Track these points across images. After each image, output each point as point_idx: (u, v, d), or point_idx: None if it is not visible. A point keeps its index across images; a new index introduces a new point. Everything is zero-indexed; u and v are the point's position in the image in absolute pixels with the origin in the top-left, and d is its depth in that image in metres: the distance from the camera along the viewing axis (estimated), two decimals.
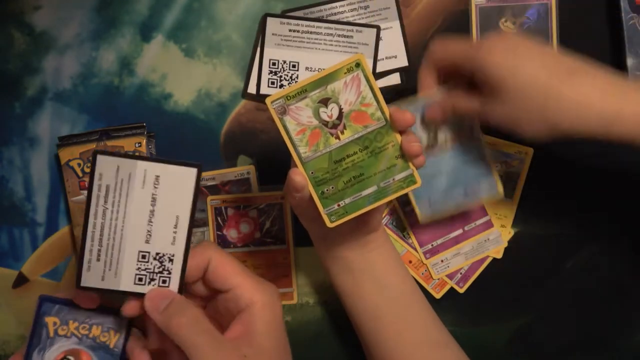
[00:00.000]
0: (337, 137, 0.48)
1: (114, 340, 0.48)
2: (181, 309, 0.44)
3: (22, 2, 0.62)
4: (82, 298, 0.48)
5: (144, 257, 0.46)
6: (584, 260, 0.64)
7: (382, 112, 0.48)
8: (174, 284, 0.46)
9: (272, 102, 0.47)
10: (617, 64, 0.62)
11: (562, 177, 0.63)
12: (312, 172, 0.48)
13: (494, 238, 0.63)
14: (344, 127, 0.48)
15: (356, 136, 0.48)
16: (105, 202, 0.45)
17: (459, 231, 0.63)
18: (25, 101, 0.62)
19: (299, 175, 0.48)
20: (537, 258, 0.64)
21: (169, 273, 0.46)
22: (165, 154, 0.62)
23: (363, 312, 0.56)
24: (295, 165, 0.48)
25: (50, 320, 0.48)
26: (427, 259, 0.63)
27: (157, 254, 0.46)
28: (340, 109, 0.48)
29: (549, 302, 0.64)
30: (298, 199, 0.49)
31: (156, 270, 0.46)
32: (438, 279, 0.63)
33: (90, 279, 0.45)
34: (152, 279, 0.46)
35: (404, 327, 0.55)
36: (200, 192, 0.62)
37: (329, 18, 0.61)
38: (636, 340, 0.64)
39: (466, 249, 0.63)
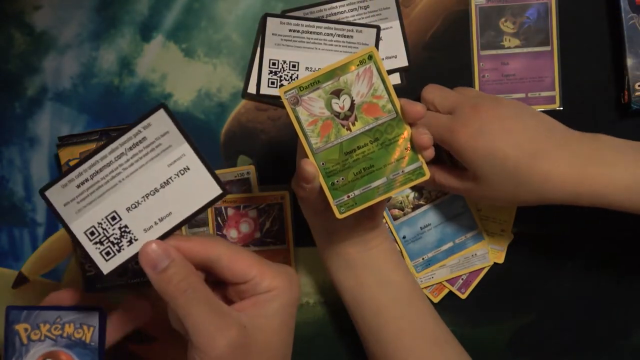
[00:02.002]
0: (349, 129, 0.48)
1: (88, 334, 0.48)
2: (181, 275, 0.42)
3: (22, 2, 0.61)
4: (56, 298, 0.49)
5: (113, 218, 0.43)
6: (584, 260, 0.64)
7: (393, 105, 0.48)
8: (113, 264, 0.43)
9: (285, 92, 0.48)
10: (617, 64, 0.62)
11: None
12: (322, 163, 0.49)
13: (481, 254, 0.63)
14: (355, 119, 0.48)
15: (367, 128, 0.48)
16: (130, 148, 0.42)
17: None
18: (25, 101, 0.62)
19: (310, 165, 0.48)
20: (537, 258, 0.64)
21: (119, 251, 0.43)
22: None
23: (364, 309, 0.56)
24: (306, 156, 0.49)
25: (20, 327, 0.48)
26: (418, 272, 0.63)
27: (126, 227, 0.43)
28: (352, 101, 0.48)
29: (549, 302, 0.64)
30: (308, 190, 0.49)
31: (112, 239, 0.43)
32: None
33: (55, 195, 0.42)
34: (101, 242, 0.43)
35: (405, 323, 0.56)
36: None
37: (329, 18, 0.61)
38: (636, 340, 0.64)
39: (452, 262, 0.63)
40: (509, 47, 0.62)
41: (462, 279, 0.63)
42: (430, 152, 0.49)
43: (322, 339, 0.64)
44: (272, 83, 0.61)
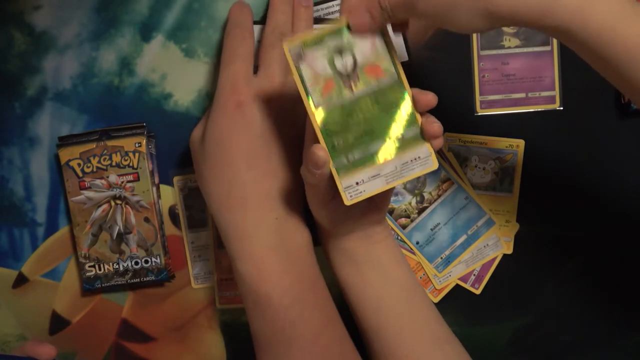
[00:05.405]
0: (351, 89, 0.48)
1: None
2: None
3: (22, 2, 0.62)
4: (39, 350, 0.48)
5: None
6: (584, 260, 0.64)
7: (395, 67, 0.48)
8: None
9: (289, 48, 0.48)
10: None
11: (560, 170, 0.63)
12: (324, 124, 0.48)
13: (493, 243, 0.63)
14: (358, 79, 0.48)
15: (368, 89, 0.48)
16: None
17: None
18: (25, 101, 0.62)
19: (321, 150, 0.47)
20: (538, 258, 0.64)
21: None
22: (165, 154, 0.62)
23: (365, 305, 0.56)
24: (314, 136, 0.48)
25: None
26: (440, 272, 0.63)
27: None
28: (355, 60, 0.48)
29: (549, 302, 0.64)
30: (317, 177, 0.48)
31: None
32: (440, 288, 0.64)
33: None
34: None
35: (406, 320, 0.56)
36: None
37: (328, 17, 0.61)
38: (636, 340, 0.64)
39: (467, 257, 0.63)
40: (509, 47, 0.62)
41: (474, 274, 0.63)
42: (440, 142, 0.49)
43: None
44: None
